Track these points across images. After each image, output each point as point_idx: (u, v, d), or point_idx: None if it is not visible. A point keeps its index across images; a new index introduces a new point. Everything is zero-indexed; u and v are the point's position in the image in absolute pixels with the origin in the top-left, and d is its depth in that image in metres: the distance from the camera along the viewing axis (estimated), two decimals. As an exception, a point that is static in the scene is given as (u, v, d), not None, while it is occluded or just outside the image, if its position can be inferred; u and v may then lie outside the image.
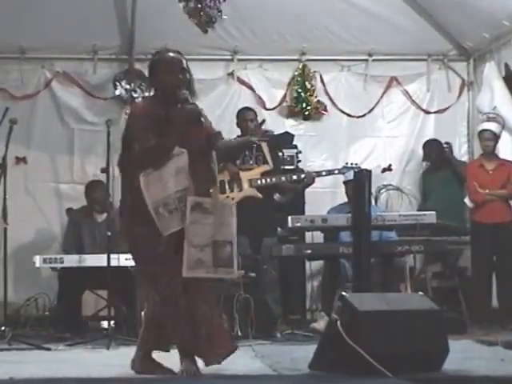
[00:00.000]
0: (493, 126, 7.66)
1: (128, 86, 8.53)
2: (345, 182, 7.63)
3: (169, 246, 4.38)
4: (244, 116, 7.41)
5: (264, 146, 7.16)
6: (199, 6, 6.92)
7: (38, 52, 8.48)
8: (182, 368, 4.42)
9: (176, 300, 4.36)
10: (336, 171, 7.61)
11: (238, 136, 7.09)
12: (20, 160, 8.38)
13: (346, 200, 7.70)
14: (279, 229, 7.36)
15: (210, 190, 4.52)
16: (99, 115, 8.43)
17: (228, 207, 4.54)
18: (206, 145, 4.54)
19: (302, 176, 7.32)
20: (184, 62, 4.57)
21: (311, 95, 8.70)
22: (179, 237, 4.37)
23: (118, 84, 8.54)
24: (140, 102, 4.63)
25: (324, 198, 8.52)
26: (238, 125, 7.34)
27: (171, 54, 4.60)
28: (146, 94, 8.56)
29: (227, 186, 7.00)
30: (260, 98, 8.73)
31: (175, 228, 4.36)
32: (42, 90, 8.54)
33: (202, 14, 6.96)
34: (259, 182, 7.20)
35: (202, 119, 4.45)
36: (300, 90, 8.68)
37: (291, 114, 8.77)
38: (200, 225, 4.37)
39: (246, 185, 7.09)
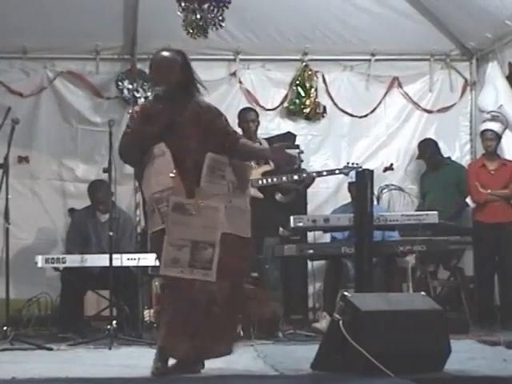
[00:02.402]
0: (495, 126, 7.66)
1: (130, 86, 8.53)
2: (349, 183, 7.62)
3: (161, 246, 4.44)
4: (245, 117, 7.47)
5: (264, 143, 7.18)
6: (197, 16, 6.89)
7: (41, 52, 8.46)
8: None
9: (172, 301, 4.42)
10: (337, 171, 7.63)
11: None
12: (22, 159, 8.39)
13: (348, 200, 7.71)
14: (281, 229, 7.35)
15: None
16: (102, 115, 8.43)
17: (215, 210, 4.43)
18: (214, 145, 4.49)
19: (303, 176, 7.32)
20: (162, 60, 4.55)
21: (310, 96, 8.69)
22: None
23: (120, 84, 8.55)
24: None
25: (326, 198, 8.53)
26: (240, 125, 7.36)
27: (158, 53, 4.63)
28: (149, 94, 8.64)
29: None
30: (262, 98, 8.73)
31: (154, 228, 4.44)
32: (45, 90, 8.53)
33: (198, 23, 6.93)
34: (260, 182, 7.21)
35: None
36: (300, 91, 8.68)
37: (293, 113, 8.76)
38: (180, 225, 4.37)
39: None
